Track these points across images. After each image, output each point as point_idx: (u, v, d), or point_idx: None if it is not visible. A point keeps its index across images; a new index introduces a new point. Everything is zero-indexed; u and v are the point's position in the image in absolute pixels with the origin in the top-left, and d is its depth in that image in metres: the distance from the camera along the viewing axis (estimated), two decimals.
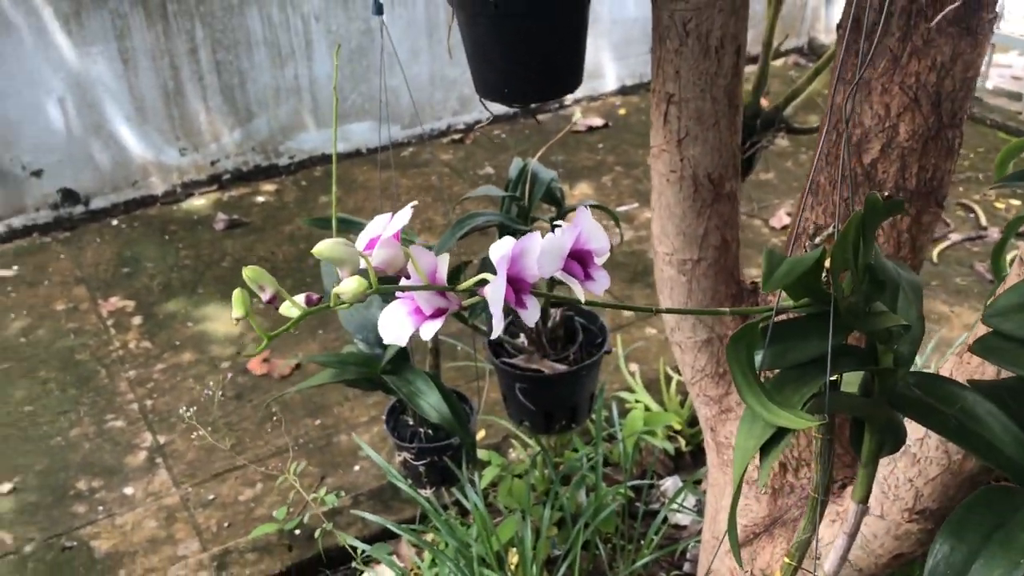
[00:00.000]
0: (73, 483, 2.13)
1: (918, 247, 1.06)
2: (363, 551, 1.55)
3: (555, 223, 1.46)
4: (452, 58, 1.07)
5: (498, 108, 1.18)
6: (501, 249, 0.59)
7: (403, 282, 0.63)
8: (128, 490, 2.11)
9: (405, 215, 0.62)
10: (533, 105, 3.88)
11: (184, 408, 2.13)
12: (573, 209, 1.59)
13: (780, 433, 0.70)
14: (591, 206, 1.56)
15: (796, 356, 0.72)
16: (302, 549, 1.76)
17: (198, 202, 3.29)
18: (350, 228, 1.44)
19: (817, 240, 0.90)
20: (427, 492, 1.57)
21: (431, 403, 1.22)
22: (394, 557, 1.75)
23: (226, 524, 2.00)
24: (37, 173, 3.02)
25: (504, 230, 1.47)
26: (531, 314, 0.60)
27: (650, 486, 1.78)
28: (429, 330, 0.60)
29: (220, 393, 2.32)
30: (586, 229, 0.61)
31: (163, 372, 2.48)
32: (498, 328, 0.58)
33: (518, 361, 1.65)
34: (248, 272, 0.54)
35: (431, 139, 3.65)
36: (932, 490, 1.02)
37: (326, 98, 3.34)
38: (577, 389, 1.68)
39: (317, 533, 1.49)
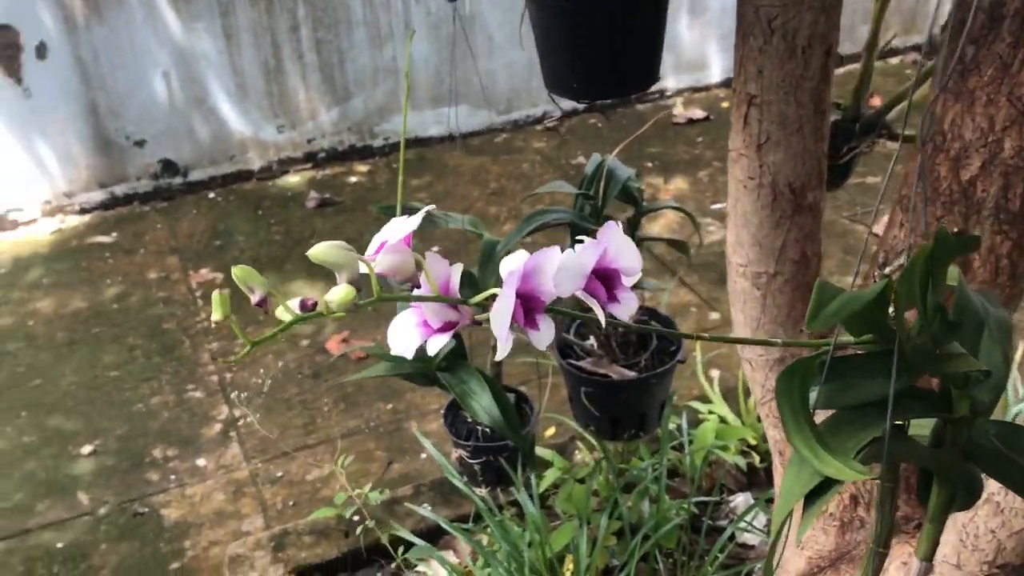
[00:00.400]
0: (150, 450, 2.18)
1: (1019, 274, 0.96)
2: (404, 550, 1.53)
3: (631, 220, 1.36)
4: (524, 48, 1.01)
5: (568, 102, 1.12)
6: (511, 264, 0.54)
7: (415, 292, 0.59)
8: (200, 461, 2.14)
9: (415, 220, 0.57)
10: (619, 98, 3.80)
11: (237, 393, 2.17)
12: (653, 209, 1.52)
13: (829, 481, 0.63)
14: (670, 208, 1.49)
15: (856, 396, 0.65)
16: (357, 536, 1.75)
17: (293, 179, 3.33)
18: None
19: (887, 270, 0.82)
20: (482, 491, 1.54)
21: (483, 405, 1.18)
22: (450, 553, 1.72)
23: (291, 503, 2.02)
24: (140, 143, 3.11)
25: (575, 229, 1.42)
26: (543, 336, 0.55)
27: (718, 502, 1.70)
28: (435, 344, 0.56)
29: (268, 381, 2.34)
30: (614, 246, 0.56)
31: (244, 346, 2.51)
32: (504, 350, 0.54)
33: (585, 364, 1.60)
34: (237, 272, 0.51)
35: (525, 126, 3.60)
36: (1016, 544, 0.93)
37: (424, 80, 3.33)
38: (646, 397, 1.61)
39: (359, 530, 1.47)
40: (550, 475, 1.68)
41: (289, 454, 2.16)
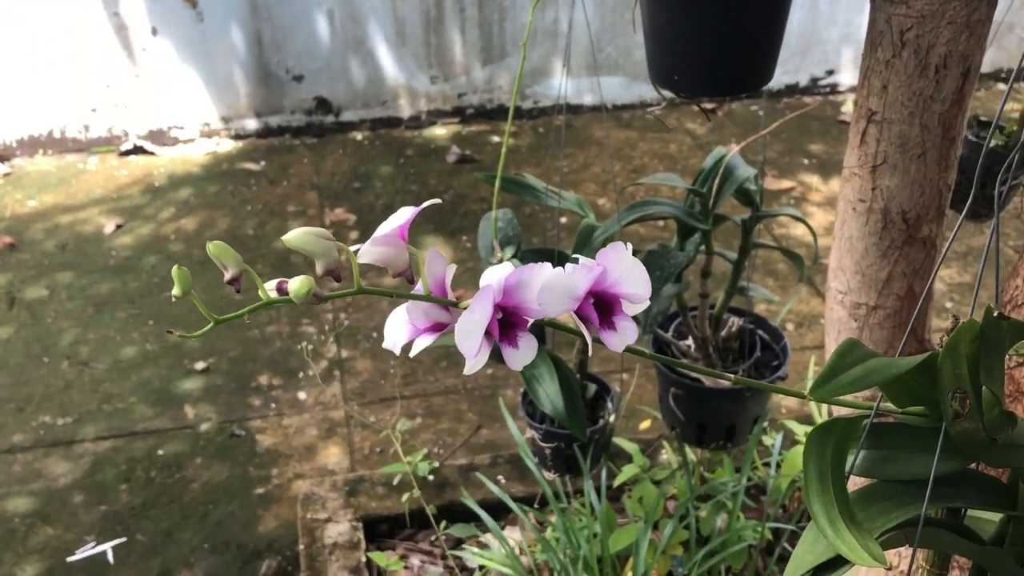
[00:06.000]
0: (257, 376, 2.26)
1: None
2: (445, 525, 1.53)
3: (746, 223, 1.28)
4: (635, 32, 0.96)
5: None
6: (493, 276, 0.50)
7: (415, 290, 0.56)
8: (301, 395, 2.21)
9: (405, 214, 0.54)
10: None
11: (304, 344, 2.21)
12: (770, 215, 1.43)
13: (843, 559, 0.56)
14: (789, 215, 1.39)
15: (898, 470, 0.58)
16: (430, 495, 1.76)
17: (438, 131, 3.35)
18: (521, 191, 1.38)
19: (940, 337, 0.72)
20: (551, 476, 1.51)
21: (548, 393, 1.14)
22: (517, 530, 1.71)
23: (378, 450, 2.05)
24: (298, 78, 3.20)
25: (681, 225, 1.35)
26: (520, 356, 0.50)
27: (796, 529, 1.61)
28: (420, 345, 0.53)
29: (331, 339, 2.37)
30: (617, 270, 0.51)
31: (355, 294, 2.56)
32: (473, 367, 0.50)
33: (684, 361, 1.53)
34: (212, 248, 0.49)
35: (681, 104, 3.49)
36: None
37: (582, 47, 3.27)
38: (738, 409, 1.54)
39: (405, 497, 1.48)
40: (627, 471, 1.63)
41: (385, 401, 2.20)
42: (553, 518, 1.58)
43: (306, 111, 3.26)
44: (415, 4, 3.12)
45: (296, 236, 0.51)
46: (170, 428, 2.11)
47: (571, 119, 3.40)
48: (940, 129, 0.87)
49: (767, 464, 1.71)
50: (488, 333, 0.50)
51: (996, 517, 0.65)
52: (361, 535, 1.68)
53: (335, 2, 3.07)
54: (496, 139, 3.30)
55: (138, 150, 3.18)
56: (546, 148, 3.21)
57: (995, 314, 0.42)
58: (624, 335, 0.51)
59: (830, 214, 2.89)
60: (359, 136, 3.32)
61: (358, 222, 2.82)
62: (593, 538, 1.48)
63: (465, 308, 0.51)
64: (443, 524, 1.54)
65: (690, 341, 1.57)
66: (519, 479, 1.79)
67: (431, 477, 1.79)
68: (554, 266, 1.22)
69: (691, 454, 1.66)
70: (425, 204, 0.57)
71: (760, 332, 1.61)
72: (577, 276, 0.50)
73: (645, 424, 2.07)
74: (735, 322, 1.57)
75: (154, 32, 3.03)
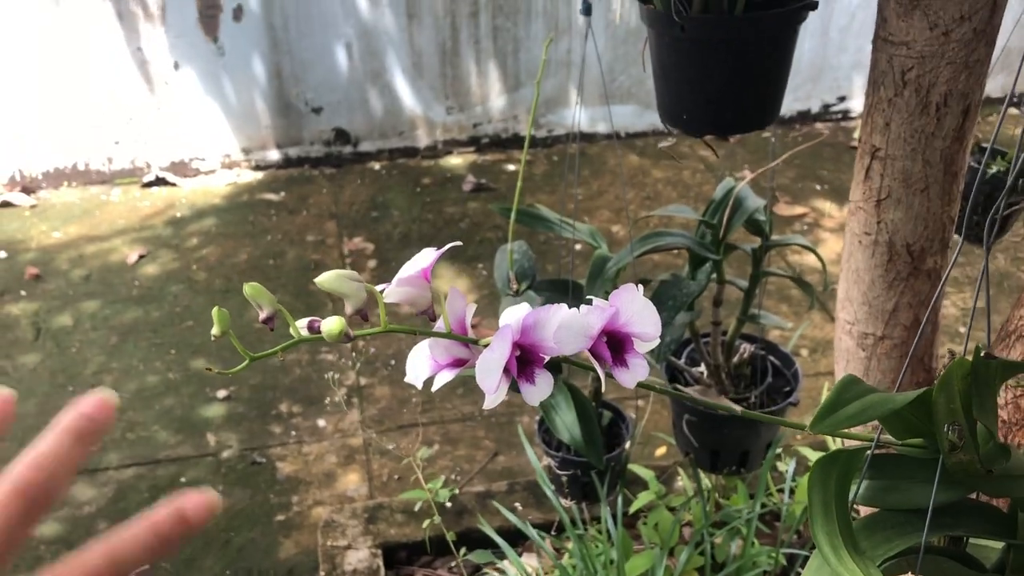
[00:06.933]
0: (277, 404, 2.30)
1: None
2: (463, 551, 1.55)
3: (756, 252, 1.31)
4: (645, 71, 0.99)
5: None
6: (511, 316, 0.53)
7: (436, 327, 0.59)
8: (321, 422, 2.24)
9: (428, 256, 0.57)
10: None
11: (331, 373, 2.24)
12: (780, 244, 1.45)
13: None
14: (799, 244, 1.42)
15: (899, 500, 0.60)
16: (448, 522, 1.78)
17: (454, 160, 3.40)
18: (535, 223, 1.41)
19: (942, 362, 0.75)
20: (567, 503, 1.53)
21: (565, 422, 1.17)
22: (534, 556, 1.72)
23: (396, 477, 2.08)
24: (317, 110, 3.26)
25: (693, 255, 1.38)
26: (538, 391, 0.53)
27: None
28: (440, 380, 0.56)
29: (353, 364, 2.40)
30: (627, 310, 0.53)
31: (377, 324, 2.60)
32: (492, 402, 0.53)
33: (690, 392, 1.56)
34: (248, 289, 0.52)
35: None
36: None
37: (594, 77, 3.32)
38: (751, 435, 1.55)
39: (425, 524, 1.50)
40: (643, 497, 1.65)
41: (403, 428, 2.22)
42: (570, 544, 1.60)
43: (325, 142, 3.31)
44: (431, 36, 3.18)
45: (328, 278, 0.54)
46: (192, 455, 2.14)
47: (585, 147, 3.44)
48: (942, 164, 0.90)
49: (781, 490, 1.73)
50: (507, 370, 0.53)
51: (998, 545, 0.67)
52: (380, 562, 1.70)
53: (353, 35, 3.13)
54: (511, 167, 3.34)
55: (160, 181, 3.24)
56: (560, 175, 3.25)
57: (982, 353, 0.45)
58: (635, 372, 0.54)
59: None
60: (377, 166, 3.37)
61: (376, 251, 2.86)
62: (610, 564, 1.50)
63: (485, 345, 0.54)
64: (462, 551, 1.56)
65: (703, 368, 1.59)
66: (536, 506, 1.81)
67: (449, 504, 1.81)
68: (569, 295, 1.25)
69: (706, 480, 1.67)
70: (447, 247, 0.60)
71: (771, 358, 1.63)
72: (591, 316, 0.52)
73: (661, 451, 2.09)
74: (746, 349, 1.59)
75: (176, 66, 3.10)
